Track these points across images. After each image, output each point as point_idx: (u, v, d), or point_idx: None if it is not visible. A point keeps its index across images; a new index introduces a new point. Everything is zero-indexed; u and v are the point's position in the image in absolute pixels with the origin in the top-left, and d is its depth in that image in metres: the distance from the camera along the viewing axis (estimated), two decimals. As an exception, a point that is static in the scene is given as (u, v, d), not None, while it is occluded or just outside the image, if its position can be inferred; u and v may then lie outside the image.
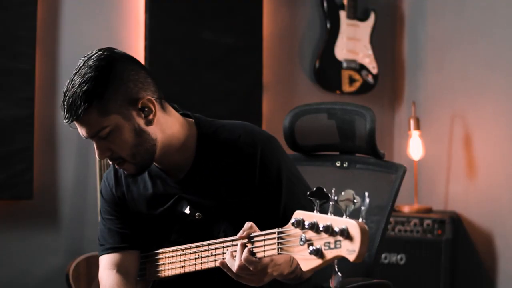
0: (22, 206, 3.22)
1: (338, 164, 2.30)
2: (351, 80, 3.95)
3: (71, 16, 3.32)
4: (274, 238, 1.51)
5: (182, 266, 1.80)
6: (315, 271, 1.42)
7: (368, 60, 3.99)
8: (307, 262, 1.41)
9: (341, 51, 3.91)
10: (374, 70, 4.00)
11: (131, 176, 1.83)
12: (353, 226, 1.32)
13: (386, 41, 4.14)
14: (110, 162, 1.79)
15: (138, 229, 1.92)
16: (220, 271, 1.72)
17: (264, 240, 1.54)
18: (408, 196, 3.83)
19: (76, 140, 3.32)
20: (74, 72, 1.79)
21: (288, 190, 1.79)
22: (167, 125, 1.79)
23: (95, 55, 1.77)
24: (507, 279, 3.53)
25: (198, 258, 1.75)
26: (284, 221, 1.68)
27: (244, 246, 1.57)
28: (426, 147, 3.81)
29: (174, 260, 1.83)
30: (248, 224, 1.59)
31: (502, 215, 3.56)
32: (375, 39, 4.01)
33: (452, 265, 3.51)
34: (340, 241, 1.33)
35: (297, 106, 2.37)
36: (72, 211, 3.32)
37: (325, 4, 3.87)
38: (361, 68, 3.97)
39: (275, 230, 1.51)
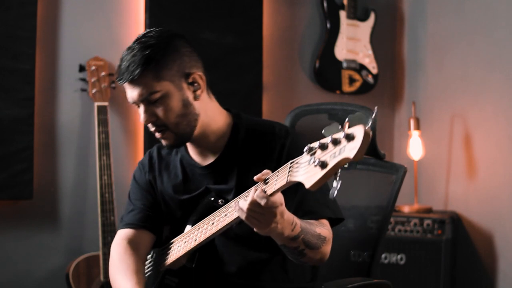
0: (22, 206, 3.22)
1: (338, 164, 2.30)
2: (351, 80, 3.95)
3: (71, 16, 3.32)
4: (286, 170, 1.56)
5: (196, 240, 1.85)
6: (321, 184, 1.44)
7: (368, 60, 3.99)
8: (312, 178, 1.45)
9: (341, 51, 3.91)
10: (374, 70, 4.00)
11: (169, 147, 1.92)
12: (358, 129, 1.37)
13: (386, 41, 4.14)
14: (153, 129, 1.88)
15: (160, 214, 2.02)
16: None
17: (277, 176, 1.59)
18: (408, 196, 3.83)
19: (76, 140, 3.32)
20: (134, 41, 1.90)
21: None
22: (209, 107, 1.93)
23: (156, 29, 1.90)
24: (507, 279, 3.53)
25: (211, 224, 1.82)
26: (297, 211, 1.78)
27: (256, 189, 1.64)
28: (426, 147, 3.81)
29: (189, 238, 1.89)
30: (265, 170, 1.64)
31: (502, 215, 3.56)
32: (375, 39, 4.01)
33: (452, 265, 3.51)
34: (344, 146, 1.38)
35: (297, 106, 2.38)
36: (72, 211, 3.32)
37: (325, 4, 3.87)
38: (361, 68, 3.97)
39: (288, 162, 1.57)
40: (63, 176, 3.30)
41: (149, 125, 1.88)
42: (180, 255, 1.90)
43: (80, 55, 3.30)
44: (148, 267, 2.04)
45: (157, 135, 1.89)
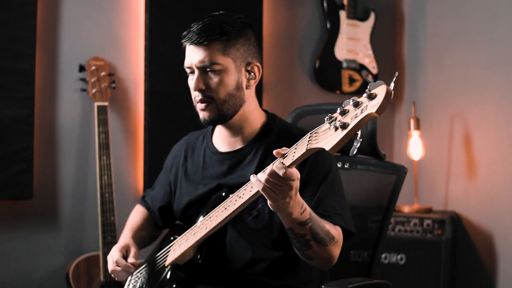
0: (22, 206, 3.22)
1: (339, 165, 2.30)
2: (351, 80, 3.95)
3: (71, 16, 3.32)
4: (305, 140, 1.59)
5: (206, 228, 1.87)
6: (342, 145, 1.45)
7: (368, 60, 3.99)
8: (332, 140, 1.46)
9: (341, 51, 3.91)
10: (374, 70, 4.01)
11: (208, 121, 1.95)
12: (379, 87, 1.39)
13: (386, 41, 4.14)
14: (199, 99, 1.92)
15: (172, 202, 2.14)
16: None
17: (296, 148, 1.62)
18: (408, 196, 3.83)
19: (76, 140, 3.32)
20: (210, 15, 1.96)
21: (328, 189, 1.89)
22: (254, 101, 2.00)
23: (237, 15, 1.99)
24: (507, 279, 3.53)
25: (224, 209, 1.84)
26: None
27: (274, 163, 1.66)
28: (426, 147, 3.81)
29: (197, 229, 1.92)
30: (285, 148, 1.67)
31: (502, 215, 3.56)
32: (375, 39, 4.01)
33: (452, 265, 3.51)
34: (366, 105, 1.40)
35: (298, 106, 2.38)
36: (72, 211, 3.32)
37: (325, 4, 3.87)
38: (361, 68, 3.97)
39: (308, 133, 1.59)
40: (63, 176, 3.30)
41: (196, 93, 1.92)
42: (189, 246, 1.91)
43: (80, 55, 3.30)
44: (154, 263, 2.04)
45: (200, 106, 1.92)
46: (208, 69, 1.90)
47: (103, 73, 3.26)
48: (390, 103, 1.37)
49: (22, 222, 3.23)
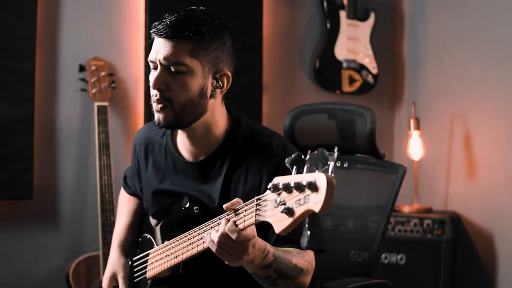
0: (22, 206, 3.22)
1: (338, 164, 2.30)
2: (351, 80, 3.95)
3: (71, 16, 3.32)
4: (253, 206, 1.51)
5: (176, 256, 1.80)
6: (291, 230, 1.39)
7: (368, 60, 3.99)
8: (280, 223, 1.40)
9: (341, 51, 3.91)
10: (374, 70, 4.00)
11: (162, 125, 1.80)
12: (320, 178, 1.31)
13: (386, 41, 4.14)
14: (156, 98, 1.77)
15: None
16: (213, 272, 1.77)
17: (245, 210, 1.54)
18: (408, 196, 3.83)
19: (76, 140, 3.32)
20: (188, 8, 1.82)
21: None
22: (218, 110, 1.84)
23: (217, 13, 1.83)
24: (507, 279, 3.53)
25: (189, 244, 1.75)
26: (281, 238, 1.73)
27: (228, 220, 1.58)
28: (426, 147, 3.81)
29: (170, 252, 1.84)
30: (236, 199, 1.59)
31: (502, 215, 3.55)
32: (375, 39, 4.01)
33: (452, 265, 3.51)
34: (308, 195, 1.32)
35: (297, 106, 2.37)
36: (72, 211, 3.32)
37: (325, 4, 3.87)
38: (361, 68, 3.97)
39: (255, 198, 1.52)
40: (63, 176, 3.30)
41: (154, 92, 1.76)
42: (163, 269, 1.86)
43: (80, 55, 3.30)
44: (136, 271, 2.02)
45: (156, 106, 1.78)
46: (172, 68, 1.74)
47: (103, 73, 3.26)
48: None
49: (22, 222, 3.23)
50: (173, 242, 1.82)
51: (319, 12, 3.92)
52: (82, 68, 3.27)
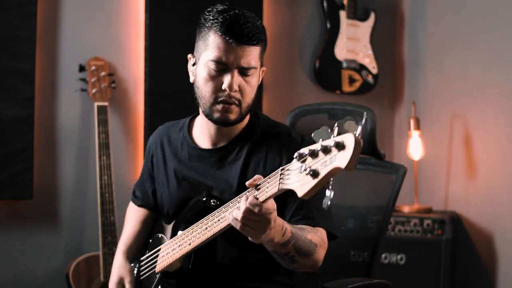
0: (22, 206, 3.22)
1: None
2: (351, 80, 3.95)
3: (71, 16, 3.32)
4: (277, 177, 1.55)
5: (190, 243, 1.83)
6: (314, 193, 1.43)
7: (368, 60, 3.99)
8: (303, 187, 1.43)
9: (341, 51, 3.91)
10: (374, 70, 4.00)
11: (230, 123, 1.87)
12: (348, 137, 1.34)
13: (386, 41, 4.14)
14: (224, 99, 1.83)
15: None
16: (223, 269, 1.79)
17: (268, 182, 1.58)
18: (408, 196, 3.83)
19: (76, 140, 3.32)
20: (236, 9, 1.86)
21: None
22: None
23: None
24: (507, 279, 3.53)
25: (206, 228, 1.79)
26: (296, 215, 1.78)
27: (248, 197, 1.61)
28: (426, 147, 3.81)
29: (183, 241, 1.87)
30: (257, 175, 1.63)
31: (502, 215, 3.56)
32: (375, 39, 4.01)
33: (452, 265, 3.51)
34: (335, 155, 1.36)
35: (297, 106, 2.37)
36: (72, 211, 3.32)
37: (325, 4, 3.87)
38: (361, 68, 3.97)
39: (279, 168, 1.56)
40: (63, 176, 3.30)
41: (229, 93, 1.82)
42: (175, 258, 1.88)
43: (80, 55, 3.30)
44: (143, 269, 2.04)
45: (224, 106, 1.83)
46: (246, 72, 1.83)
47: (103, 73, 3.26)
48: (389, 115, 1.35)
49: (22, 222, 3.23)
50: (188, 232, 1.85)
51: (319, 12, 3.92)
52: (82, 68, 3.27)
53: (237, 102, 1.83)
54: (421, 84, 4.05)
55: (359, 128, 1.37)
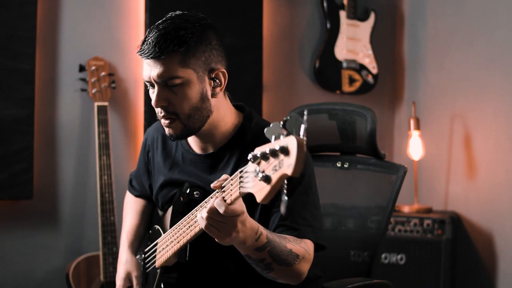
0: (22, 206, 3.22)
1: (338, 164, 2.30)
2: (351, 80, 3.95)
3: (71, 16, 3.32)
4: (237, 179, 1.53)
5: (178, 242, 1.82)
6: (270, 199, 1.40)
7: (368, 60, 3.99)
8: (260, 192, 1.41)
9: (341, 51, 3.91)
10: (374, 70, 4.01)
11: (174, 138, 1.84)
12: (290, 141, 1.31)
13: (386, 41, 4.14)
14: (162, 115, 1.81)
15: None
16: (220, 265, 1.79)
17: (231, 184, 1.55)
18: (408, 196, 3.83)
19: (76, 140, 3.32)
20: (165, 19, 1.83)
21: (300, 197, 1.81)
22: (223, 106, 1.87)
23: (194, 14, 1.83)
24: (507, 279, 3.53)
25: (188, 227, 1.77)
26: (281, 225, 1.75)
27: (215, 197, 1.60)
28: (426, 147, 3.81)
29: (173, 239, 1.86)
30: (223, 176, 1.61)
31: (502, 215, 3.56)
32: (375, 39, 4.01)
33: (452, 265, 3.51)
34: (282, 160, 1.33)
35: (297, 106, 2.37)
36: (72, 211, 3.32)
37: (325, 4, 3.87)
38: (361, 68, 3.97)
39: (238, 171, 1.53)
40: (63, 176, 3.30)
41: (158, 109, 1.80)
42: (168, 256, 1.88)
43: (80, 55, 3.30)
44: (147, 262, 2.04)
45: (164, 122, 1.81)
46: (168, 83, 1.76)
47: (103, 73, 3.26)
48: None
49: (22, 222, 3.23)
50: (176, 228, 1.84)
51: (319, 12, 3.93)
52: (82, 68, 3.27)
53: (174, 116, 1.79)
54: (421, 84, 4.05)
55: (302, 127, 1.34)
